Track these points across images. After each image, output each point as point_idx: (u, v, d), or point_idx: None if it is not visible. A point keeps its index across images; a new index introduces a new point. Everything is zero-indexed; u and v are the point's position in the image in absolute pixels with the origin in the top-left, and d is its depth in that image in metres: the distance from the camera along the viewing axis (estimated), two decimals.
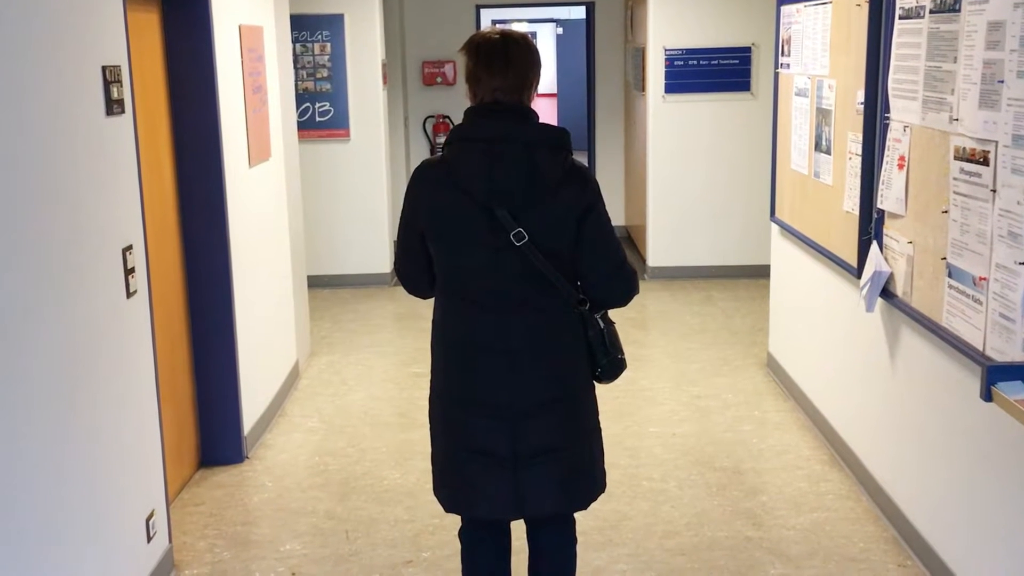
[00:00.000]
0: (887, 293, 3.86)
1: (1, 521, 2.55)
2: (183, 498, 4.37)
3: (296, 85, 7.58)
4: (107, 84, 3.26)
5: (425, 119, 9.78)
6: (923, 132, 3.48)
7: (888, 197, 3.79)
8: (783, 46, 5.37)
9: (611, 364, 2.79)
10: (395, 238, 2.92)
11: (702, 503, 4.24)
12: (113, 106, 3.30)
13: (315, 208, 7.93)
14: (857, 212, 4.16)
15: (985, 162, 3.00)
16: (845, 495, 4.27)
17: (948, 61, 3.26)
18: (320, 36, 7.86)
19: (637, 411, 5.31)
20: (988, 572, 3.21)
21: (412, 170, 2.89)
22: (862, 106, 4.07)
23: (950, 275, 3.28)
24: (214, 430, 4.69)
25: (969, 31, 3.10)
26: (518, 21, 19.21)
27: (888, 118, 3.78)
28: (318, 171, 7.97)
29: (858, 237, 4.15)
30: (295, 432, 5.15)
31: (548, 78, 18.26)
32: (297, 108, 7.52)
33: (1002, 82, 2.89)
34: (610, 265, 2.71)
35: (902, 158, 3.65)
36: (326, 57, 7.89)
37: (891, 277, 3.82)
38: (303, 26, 7.76)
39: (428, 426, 2.92)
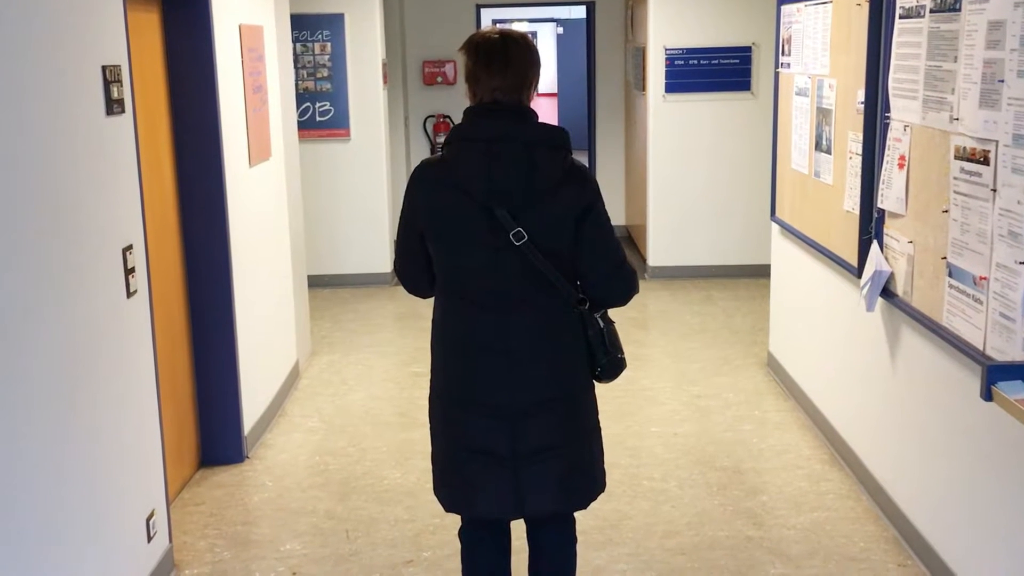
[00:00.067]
0: (887, 293, 3.86)
1: (1, 521, 2.55)
2: (183, 498, 4.37)
3: (296, 85, 7.58)
4: (107, 84, 3.26)
5: (425, 119, 9.78)
6: (923, 131, 3.48)
7: (888, 196, 3.79)
8: (783, 46, 5.36)
9: (611, 363, 2.79)
10: (395, 238, 2.92)
11: (702, 503, 4.24)
12: (113, 106, 3.30)
13: (315, 208, 7.93)
14: (857, 211, 4.16)
15: (985, 161, 3.00)
16: (845, 495, 4.27)
17: (948, 60, 3.25)
18: (320, 36, 7.86)
19: (638, 411, 5.31)
20: (988, 572, 3.21)
21: (412, 170, 2.89)
22: (862, 105, 4.07)
23: (950, 275, 3.28)
24: (214, 430, 4.69)
25: (969, 30, 3.10)
26: (518, 21, 19.22)
27: (888, 117, 3.78)
28: (318, 171, 7.97)
29: (858, 236, 4.14)
30: (295, 432, 5.15)
31: (548, 78, 18.26)
32: (297, 108, 7.52)
33: (1002, 81, 2.89)
34: (610, 264, 2.71)
35: (902, 157, 3.65)
36: (326, 57, 7.88)
37: (891, 277, 3.82)
38: (303, 26, 7.76)
39: (428, 426, 2.92)
